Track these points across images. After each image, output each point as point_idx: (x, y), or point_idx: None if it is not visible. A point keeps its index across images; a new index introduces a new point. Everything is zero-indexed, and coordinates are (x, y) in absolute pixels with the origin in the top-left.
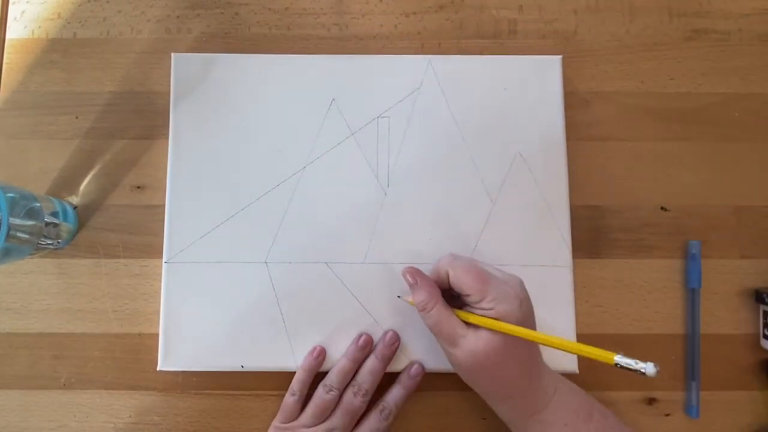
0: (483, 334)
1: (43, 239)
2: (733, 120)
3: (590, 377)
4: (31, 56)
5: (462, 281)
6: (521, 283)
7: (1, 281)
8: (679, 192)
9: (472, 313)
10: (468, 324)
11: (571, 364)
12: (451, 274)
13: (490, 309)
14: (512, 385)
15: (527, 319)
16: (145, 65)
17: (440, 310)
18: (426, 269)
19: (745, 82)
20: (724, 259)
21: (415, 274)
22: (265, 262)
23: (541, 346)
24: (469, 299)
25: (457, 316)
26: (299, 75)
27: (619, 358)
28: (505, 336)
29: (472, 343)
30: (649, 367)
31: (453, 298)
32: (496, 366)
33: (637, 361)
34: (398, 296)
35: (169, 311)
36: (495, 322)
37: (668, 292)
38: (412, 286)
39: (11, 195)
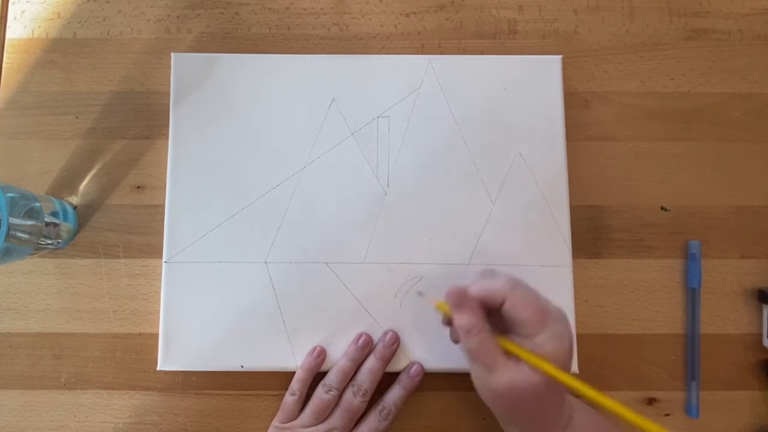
0: (525, 369)
1: (43, 239)
2: (733, 120)
3: (590, 377)
4: (31, 56)
5: (520, 313)
6: (568, 321)
7: (1, 281)
8: (679, 192)
9: (517, 344)
10: (507, 352)
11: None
12: (508, 303)
13: (542, 346)
14: (539, 417)
15: (571, 359)
16: (145, 65)
17: (483, 338)
18: (428, 270)
19: (745, 82)
20: (724, 259)
21: (460, 295)
22: (265, 262)
23: None
24: (519, 330)
25: (500, 343)
26: (299, 75)
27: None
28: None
29: (513, 374)
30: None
31: (490, 314)
32: (532, 400)
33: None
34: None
35: (169, 311)
36: (541, 362)
37: (668, 292)
38: (456, 308)
39: (11, 195)
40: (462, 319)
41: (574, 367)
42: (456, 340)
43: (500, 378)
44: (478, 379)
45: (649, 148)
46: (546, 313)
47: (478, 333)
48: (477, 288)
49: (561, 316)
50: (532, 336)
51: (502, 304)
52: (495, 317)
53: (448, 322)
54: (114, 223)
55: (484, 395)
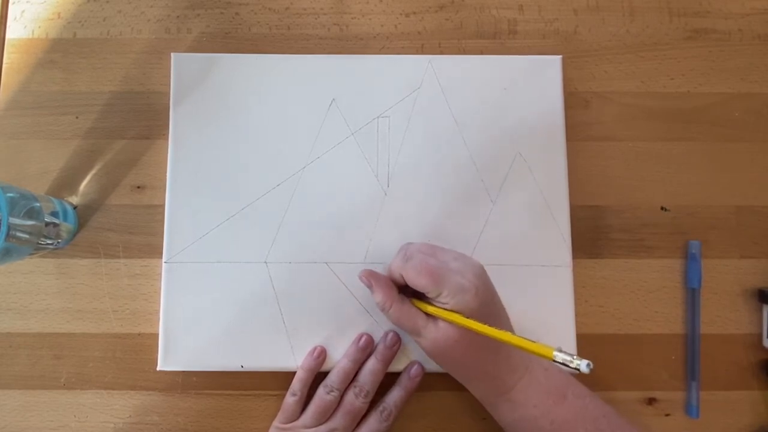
0: (442, 325)
1: (43, 239)
2: (733, 120)
3: (590, 377)
4: (31, 56)
5: (416, 283)
6: (478, 269)
7: (1, 281)
8: (679, 192)
9: (431, 304)
10: (429, 315)
11: None
12: (404, 277)
13: (446, 303)
14: (476, 368)
15: (485, 306)
16: (145, 65)
17: (397, 308)
18: None
19: (745, 82)
20: (724, 259)
21: (370, 277)
22: (265, 262)
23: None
24: (428, 295)
25: (417, 307)
26: (299, 75)
27: (558, 354)
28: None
29: (433, 333)
30: (582, 365)
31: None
32: (458, 353)
33: (573, 358)
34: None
35: (169, 311)
36: (448, 313)
37: (668, 292)
38: (369, 288)
39: (11, 195)
40: (376, 297)
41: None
42: None
43: (425, 338)
44: (421, 348)
45: (649, 148)
46: (437, 277)
47: (392, 305)
48: (383, 272)
49: (462, 269)
50: (437, 297)
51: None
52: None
53: None
54: (114, 223)
55: (429, 357)
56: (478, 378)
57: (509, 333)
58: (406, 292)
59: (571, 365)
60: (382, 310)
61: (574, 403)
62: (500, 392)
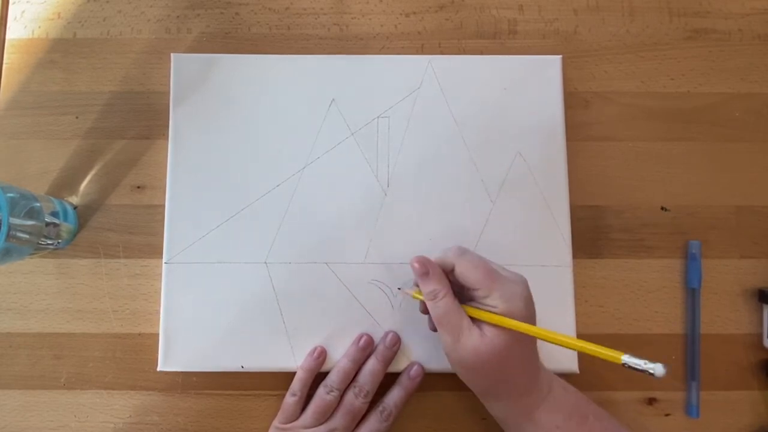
0: (488, 331)
1: (43, 239)
2: (733, 120)
3: (590, 377)
4: (31, 56)
5: (469, 276)
6: (526, 283)
7: (1, 281)
8: (679, 192)
9: (478, 308)
10: (473, 320)
11: (571, 364)
12: (457, 267)
13: (496, 306)
14: (511, 384)
15: (531, 319)
16: (145, 65)
17: (450, 301)
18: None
19: (745, 82)
20: (724, 259)
21: (425, 263)
22: (265, 263)
23: (538, 345)
24: (475, 294)
25: (465, 310)
26: (299, 75)
27: (627, 358)
28: (509, 336)
29: (477, 339)
30: (658, 368)
31: (457, 292)
32: (498, 364)
33: (647, 361)
34: (398, 288)
35: (169, 311)
36: (502, 318)
37: (668, 292)
38: (422, 276)
39: (11, 195)
40: (428, 286)
41: (574, 367)
42: (434, 328)
43: (465, 344)
44: (449, 352)
45: (649, 148)
46: (493, 276)
47: (443, 297)
48: (432, 257)
49: (513, 278)
50: (486, 298)
51: (452, 271)
52: (458, 292)
53: (424, 310)
54: (114, 223)
55: (457, 369)
56: (506, 395)
57: (572, 337)
58: None
59: (642, 368)
60: (432, 299)
61: (595, 426)
62: (526, 412)
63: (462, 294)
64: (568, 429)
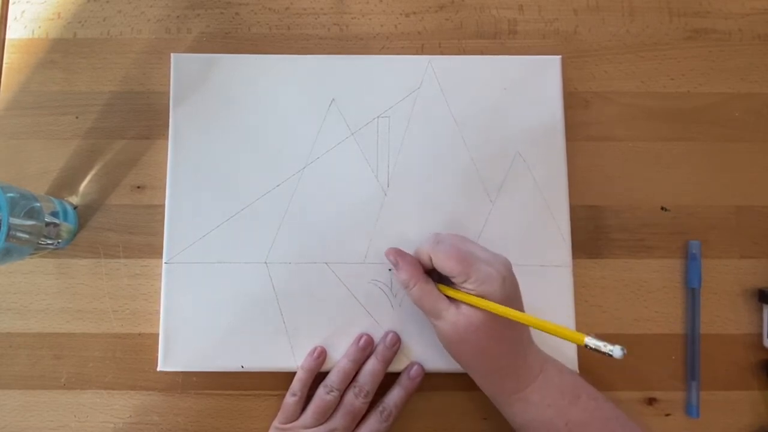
0: (464, 309)
1: (43, 239)
2: (733, 120)
3: (590, 377)
4: (31, 56)
5: (444, 266)
6: (506, 264)
7: (1, 281)
8: (679, 192)
9: (456, 290)
10: (452, 299)
11: (571, 363)
12: (433, 259)
13: (471, 290)
14: (494, 361)
15: (510, 298)
16: (145, 65)
17: (421, 287)
18: None
19: (745, 82)
20: (724, 259)
21: (396, 255)
22: (265, 262)
23: (541, 338)
24: (453, 280)
25: (441, 291)
26: (299, 75)
27: (590, 340)
28: (487, 313)
29: (454, 316)
30: (616, 350)
31: (442, 276)
32: (477, 341)
33: (606, 343)
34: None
35: (169, 311)
36: (474, 298)
37: (668, 292)
38: (394, 266)
39: (11, 195)
40: (401, 275)
41: (574, 367)
42: None
43: (445, 321)
44: (436, 332)
45: (649, 148)
46: (468, 261)
47: (416, 283)
48: (411, 252)
49: (491, 259)
50: (464, 283)
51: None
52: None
53: None
54: (114, 223)
55: (445, 346)
56: (493, 373)
57: (535, 318)
58: (432, 277)
59: (603, 350)
60: (405, 288)
61: (588, 404)
62: (515, 390)
63: (445, 278)
64: (560, 407)
